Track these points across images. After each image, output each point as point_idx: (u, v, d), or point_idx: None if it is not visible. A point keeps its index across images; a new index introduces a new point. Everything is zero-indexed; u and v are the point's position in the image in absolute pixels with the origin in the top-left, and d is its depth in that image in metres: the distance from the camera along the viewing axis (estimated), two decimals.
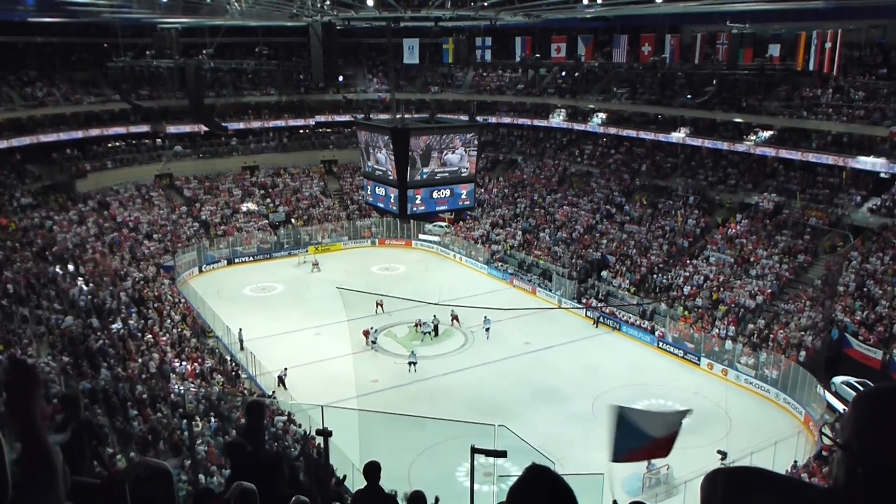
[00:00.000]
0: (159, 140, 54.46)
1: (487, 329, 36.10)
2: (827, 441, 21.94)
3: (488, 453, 7.45)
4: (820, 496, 1.47)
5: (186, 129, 53.97)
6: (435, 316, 36.03)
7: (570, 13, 37.82)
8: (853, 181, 39.22)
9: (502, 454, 7.51)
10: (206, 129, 51.44)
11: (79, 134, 50.05)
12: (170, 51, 38.36)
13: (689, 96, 44.68)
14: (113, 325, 30.39)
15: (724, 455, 23.64)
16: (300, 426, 24.96)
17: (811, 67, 37.08)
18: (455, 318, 37.17)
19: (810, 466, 23.21)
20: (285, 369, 30.37)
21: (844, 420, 1.48)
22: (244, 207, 52.52)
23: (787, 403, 29.17)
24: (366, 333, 34.91)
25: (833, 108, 40.10)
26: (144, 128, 53.18)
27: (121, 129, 52.67)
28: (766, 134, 42.65)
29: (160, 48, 38.75)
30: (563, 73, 56.56)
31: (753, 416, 28.25)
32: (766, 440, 24.42)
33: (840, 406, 26.60)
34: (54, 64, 52.22)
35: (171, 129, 53.81)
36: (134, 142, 53.98)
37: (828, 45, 36.23)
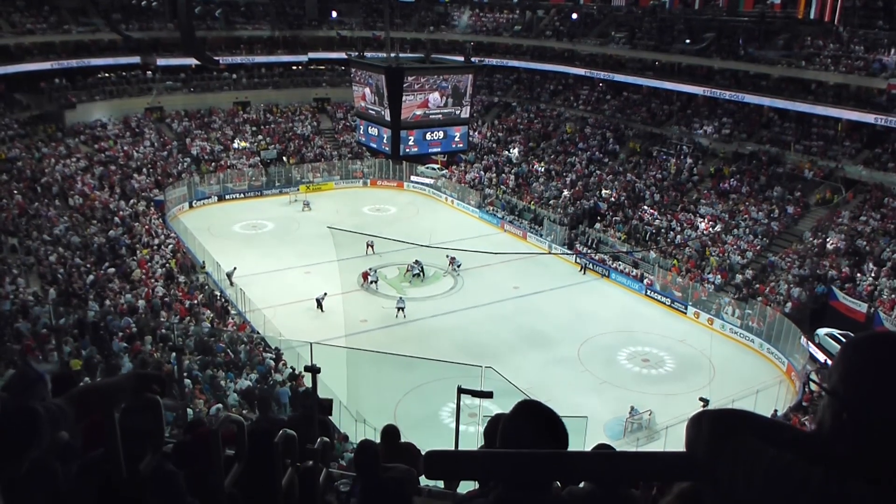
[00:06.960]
0: (149, 72, 53.55)
1: (458, 266, 36.90)
2: (814, 387, 22.35)
3: (474, 394, 7.49)
4: (804, 439, 1.48)
5: (177, 61, 52.97)
6: (417, 261, 36.12)
7: None
8: (848, 133, 39.03)
9: (488, 395, 7.57)
10: (197, 62, 50.58)
11: (67, 63, 49.12)
12: None
13: (687, 41, 44.17)
14: (102, 260, 30.36)
15: (705, 402, 24.01)
16: (286, 364, 25.17)
17: (812, 16, 36.65)
18: (452, 260, 37.20)
19: (789, 416, 23.65)
20: (325, 293, 31.37)
21: (832, 366, 1.49)
22: (236, 144, 51.98)
23: (771, 353, 29.56)
24: (365, 276, 35.00)
25: (832, 59, 39.66)
26: (134, 59, 52.18)
27: (110, 60, 51.68)
28: None
29: None
30: (561, 16, 55.74)
31: (737, 365, 28.62)
32: (748, 388, 24.83)
33: (822, 357, 26.97)
34: None
35: (162, 61, 52.84)
36: (124, 73, 52.98)
37: None
